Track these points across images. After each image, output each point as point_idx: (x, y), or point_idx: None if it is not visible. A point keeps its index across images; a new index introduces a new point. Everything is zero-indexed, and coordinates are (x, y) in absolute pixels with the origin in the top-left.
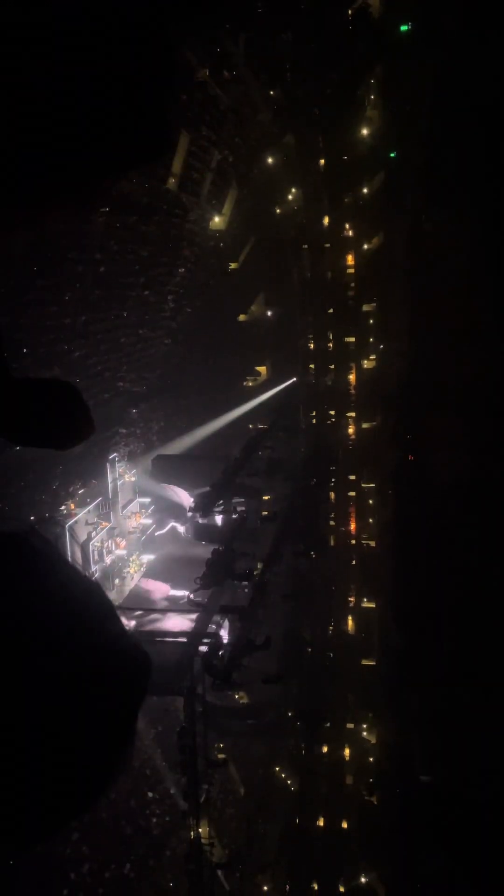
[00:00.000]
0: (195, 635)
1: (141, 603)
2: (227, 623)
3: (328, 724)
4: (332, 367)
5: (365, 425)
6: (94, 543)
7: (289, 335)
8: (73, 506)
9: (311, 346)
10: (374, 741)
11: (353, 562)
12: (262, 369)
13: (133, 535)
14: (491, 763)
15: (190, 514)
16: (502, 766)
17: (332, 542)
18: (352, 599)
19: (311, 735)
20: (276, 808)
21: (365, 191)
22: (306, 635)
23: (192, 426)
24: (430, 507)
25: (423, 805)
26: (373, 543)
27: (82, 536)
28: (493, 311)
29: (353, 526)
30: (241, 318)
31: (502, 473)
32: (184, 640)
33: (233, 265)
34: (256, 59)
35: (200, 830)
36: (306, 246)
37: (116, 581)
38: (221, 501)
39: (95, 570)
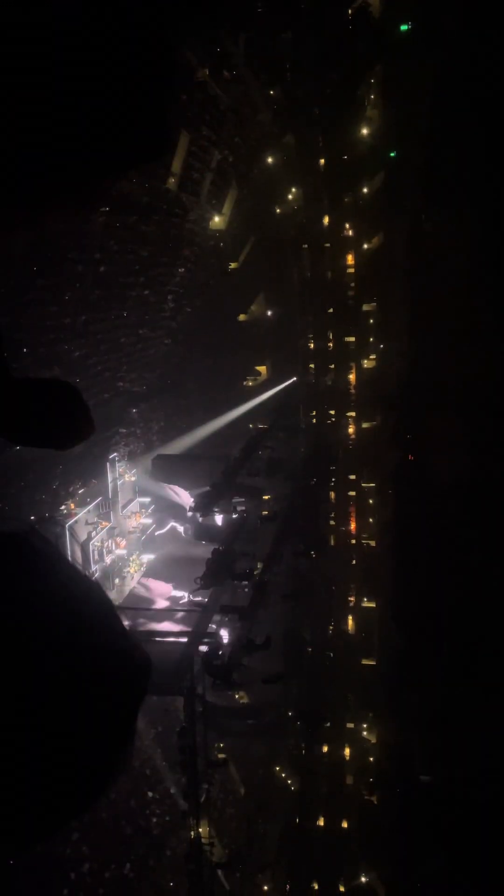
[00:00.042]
0: (195, 635)
1: (141, 603)
2: (227, 623)
3: (328, 724)
4: (332, 366)
5: (365, 425)
6: (95, 543)
7: (289, 335)
8: (73, 505)
9: (311, 345)
10: (374, 741)
11: (354, 561)
12: (262, 369)
13: (133, 534)
14: (491, 763)
15: (190, 513)
16: (502, 766)
17: (332, 542)
18: (352, 599)
19: (311, 735)
20: (277, 808)
21: (365, 191)
22: (306, 635)
23: (192, 426)
24: (430, 506)
25: (423, 805)
26: (373, 543)
27: (82, 536)
28: (493, 311)
29: (353, 526)
30: (241, 317)
31: (502, 473)
32: (184, 640)
33: (233, 265)
34: (256, 58)
35: (200, 830)
36: (306, 246)
37: (116, 581)
38: (221, 501)
39: (95, 570)
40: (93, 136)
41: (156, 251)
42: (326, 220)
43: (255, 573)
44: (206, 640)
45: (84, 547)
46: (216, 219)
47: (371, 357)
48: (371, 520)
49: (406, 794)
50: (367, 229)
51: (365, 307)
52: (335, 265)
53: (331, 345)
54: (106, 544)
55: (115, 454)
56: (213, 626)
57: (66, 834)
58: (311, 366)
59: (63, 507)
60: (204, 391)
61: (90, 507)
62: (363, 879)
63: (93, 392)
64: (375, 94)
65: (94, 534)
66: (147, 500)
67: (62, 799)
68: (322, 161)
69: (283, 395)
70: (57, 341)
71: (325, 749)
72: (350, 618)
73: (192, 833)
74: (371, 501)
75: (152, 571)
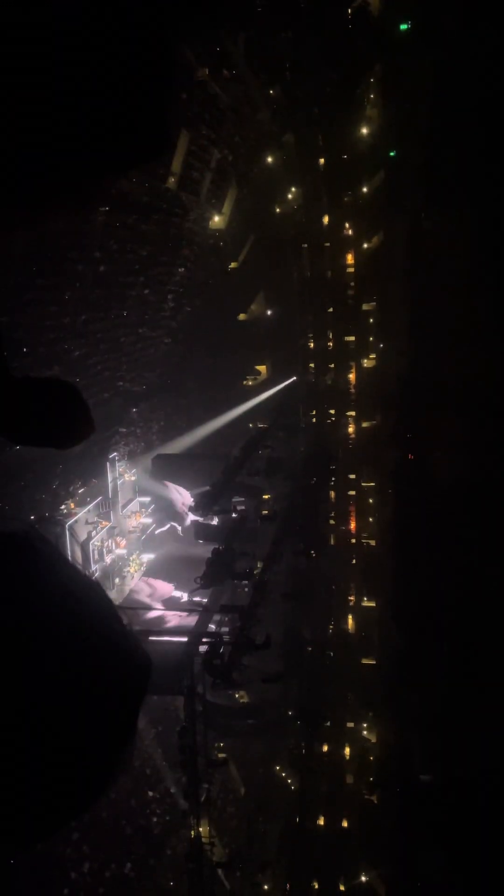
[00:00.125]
0: (195, 635)
1: (141, 602)
2: (227, 622)
3: (328, 724)
4: (332, 366)
5: (365, 424)
6: (95, 543)
7: (289, 334)
8: (73, 505)
9: (311, 345)
10: (374, 740)
11: (353, 561)
12: (262, 368)
13: (133, 534)
14: (491, 763)
15: (188, 514)
16: (502, 766)
17: (332, 542)
18: (352, 598)
19: (311, 734)
20: (277, 808)
21: (364, 190)
22: (306, 634)
23: (192, 425)
24: (430, 506)
25: (423, 804)
26: (373, 542)
27: (82, 536)
28: (493, 311)
29: (353, 525)
30: (241, 317)
31: (502, 473)
32: (184, 639)
33: (233, 264)
34: (256, 58)
35: (201, 830)
36: (306, 245)
37: (116, 580)
38: (221, 500)
39: (95, 570)
40: (93, 136)
41: (156, 250)
42: (326, 219)
43: (255, 573)
44: (206, 639)
45: (84, 546)
46: (216, 218)
47: (371, 356)
48: (371, 519)
49: (406, 793)
50: (366, 229)
51: (365, 307)
52: (335, 264)
53: (331, 344)
54: (106, 544)
55: (115, 454)
56: (213, 626)
57: (66, 834)
58: (311, 365)
59: (63, 507)
60: (204, 390)
61: (90, 506)
62: (363, 878)
63: (92, 391)
64: (375, 93)
65: (94, 533)
66: (147, 499)
67: (62, 799)
68: (322, 160)
69: (283, 395)
70: (57, 341)
71: (326, 748)
72: (350, 617)
73: (193, 832)
74: (371, 501)
75: (152, 571)
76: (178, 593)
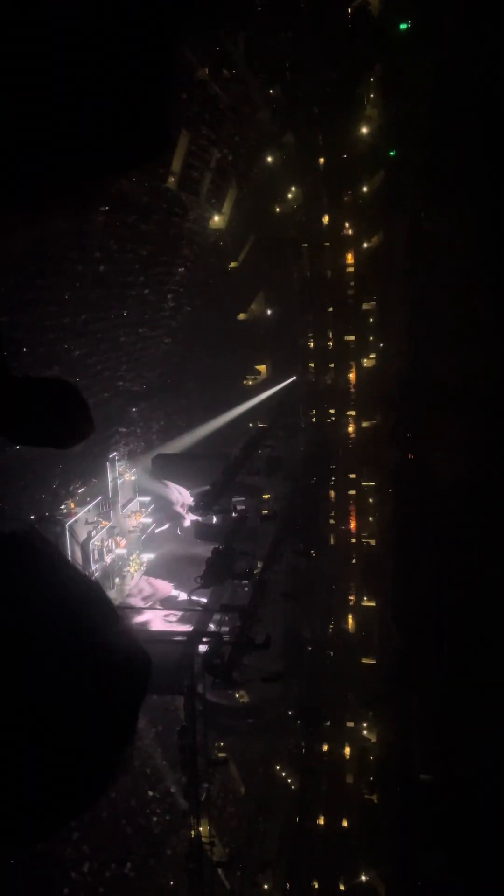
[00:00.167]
0: (195, 635)
1: (141, 602)
2: (227, 622)
3: (328, 723)
4: (332, 365)
5: (365, 424)
6: (95, 542)
7: (288, 334)
8: (73, 505)
9: (311, 344)
10: (374, 740)
11: (353, 560)
12: (262, 368)
13: (133, 533)
14: (491, 763)
15: (188, 513)
16: (502, 766)
17: (332, 541)
18: (352, 598)
19: (311, 734)
20: (277, 807)
21: (364, 190)
22: (306, 634)
23: (192, 425)
24: (429, 506)
25: (423, 804)
26: (373, 542)
27: (82, 535)
28: (493, 311)
29: (353, 525)
30: (241, 316)
31: (502, 473)
32: (184, 639)
33: (232, 264)
34: (256, 57)
35: (201, 829)
36: (306, 245)
37: (117, 580)
38: (221, 500)
39: (95, 569)
40: (93, 136)
41: (155, 250)
42: (326, 219)
43: (255, 572)
44: (206, 639)
45: (84, 546)
46: (216, 218)
47: (371, 356)
48: (371, 519)
49: (406, 793)
50: (366, 228)
51: (364, 306)
52: (335, 264)
53: (330, 344)
54: (106, 543)
55: (115, 453)
56: (213, 626)
57: (66, 833)
58: (311, 365)
59: (63, 507)
60: (204, 390)
61: (90, 506)
62: (363, 878)
63: (92, 391)
64: (375, 93)
65: (94, 533)
66: (147, 499)
67: (62, 799)
68: (322, 160)
69: (283, 394)
70: (56, 341)
71: (326, 748)
72: (350, 617)
73: (193, 832)
74: (371, 500)
75: (152, 571)
76: (177, 592)
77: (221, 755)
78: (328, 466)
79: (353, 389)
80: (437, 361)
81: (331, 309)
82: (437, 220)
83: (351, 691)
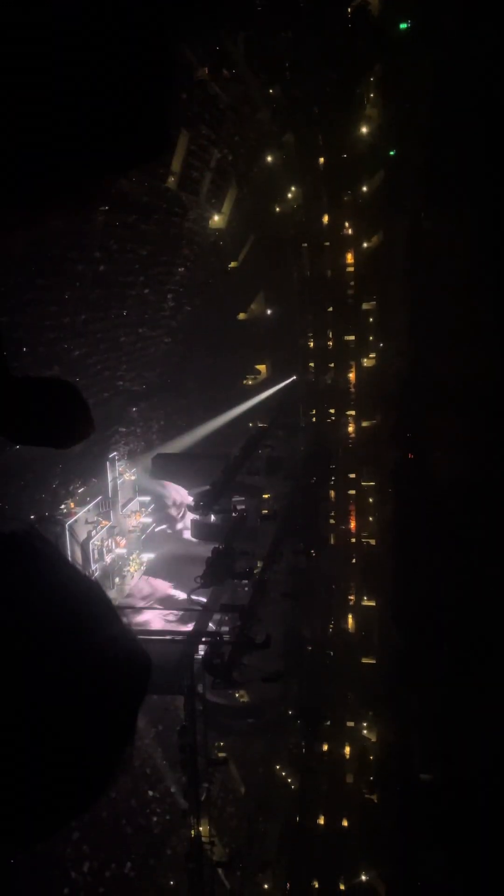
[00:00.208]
0: (195, 634)
1: (141, 602)
2: (227, 622)
3: (328, 723)
4: (332, 365)
5: (365, 423)
6: (94, 542)
7: (288, 334)
8: (73, 504)
9: (311, 344)
10: (374, 739)
11: (353, 560)
12: (262, 368)
13: (133, 533)
14: (491, 763)
15: (181, 517)
16: (502, 766)
17: (332, 541)
18: (352, 598)
19: (311, 733)
20: (277, 807)
21: (364, 189)
22: (306, 634)
23: (192, 425)
24: (430, 505)
25: (423, 804)
26: (373, 542)
27: (82, 535)
28: (493, 311)
29: (353, 524)
30: (241, 316)
31: (502, 473)
32: (183, 639)
33: (232, 264)
34: (256, 57)
35: (201, 829)
36: (306, 244)
37: (116, 580)
38: (221, 500)
39: (95, 569)
40: (93, 136)
41: (155, 250)
42: (326, 218)
43: (254, 572)
44: (206, 639)
45: (84, 546)
46: (216, 218)
47: (371, 356)
48: (371, 519)
49: (406, 793)
50: (366, 228)
51: (364, 306)
52: (335, 264)
53: (330, 343)
54: (106, 543)
55: (115, 453)
56: (213, 626)
57: (66, 833)
58: (311, 364)
59: (63, 507)
60: (204, 390)
61: (90, 506)
62: (363, 878)
63: (92, 391)
64: (375, 92)
65: (93, 533)
66: (147, 498)
67: (62, 799)
68: (322, 160)
69: (283, 394)
70: (56, 340)
71: (326, 747)
72: (350, 616)
73: (193, 832)
74: (371, 500)
75: (152, 570)
76: (177, 592)
77: (221, 755)
78: (328, 466)
79: (353, 389)
80: (437, 361)
81: (331, 309)
82: (437, 219)
83: (351, 691)
